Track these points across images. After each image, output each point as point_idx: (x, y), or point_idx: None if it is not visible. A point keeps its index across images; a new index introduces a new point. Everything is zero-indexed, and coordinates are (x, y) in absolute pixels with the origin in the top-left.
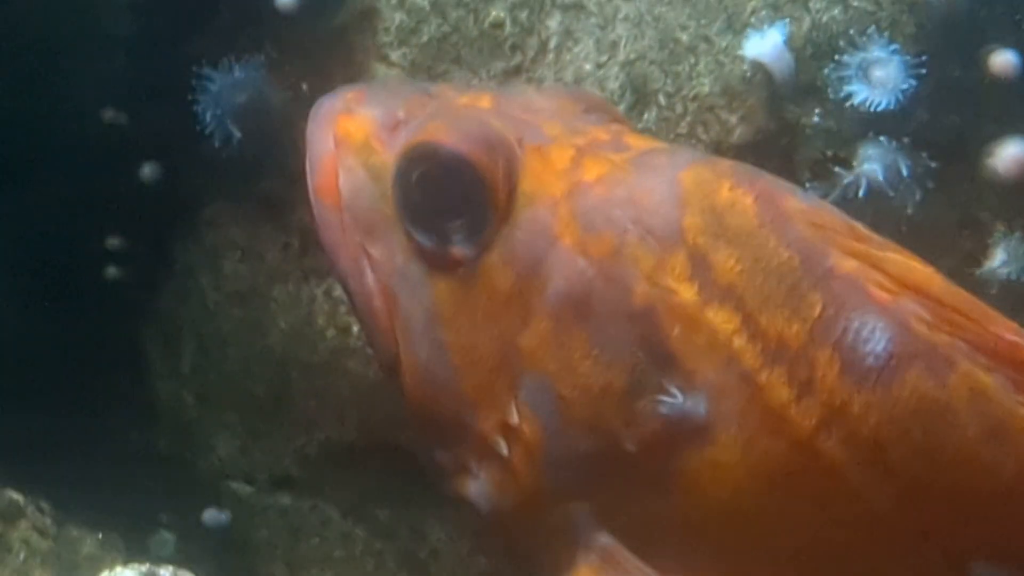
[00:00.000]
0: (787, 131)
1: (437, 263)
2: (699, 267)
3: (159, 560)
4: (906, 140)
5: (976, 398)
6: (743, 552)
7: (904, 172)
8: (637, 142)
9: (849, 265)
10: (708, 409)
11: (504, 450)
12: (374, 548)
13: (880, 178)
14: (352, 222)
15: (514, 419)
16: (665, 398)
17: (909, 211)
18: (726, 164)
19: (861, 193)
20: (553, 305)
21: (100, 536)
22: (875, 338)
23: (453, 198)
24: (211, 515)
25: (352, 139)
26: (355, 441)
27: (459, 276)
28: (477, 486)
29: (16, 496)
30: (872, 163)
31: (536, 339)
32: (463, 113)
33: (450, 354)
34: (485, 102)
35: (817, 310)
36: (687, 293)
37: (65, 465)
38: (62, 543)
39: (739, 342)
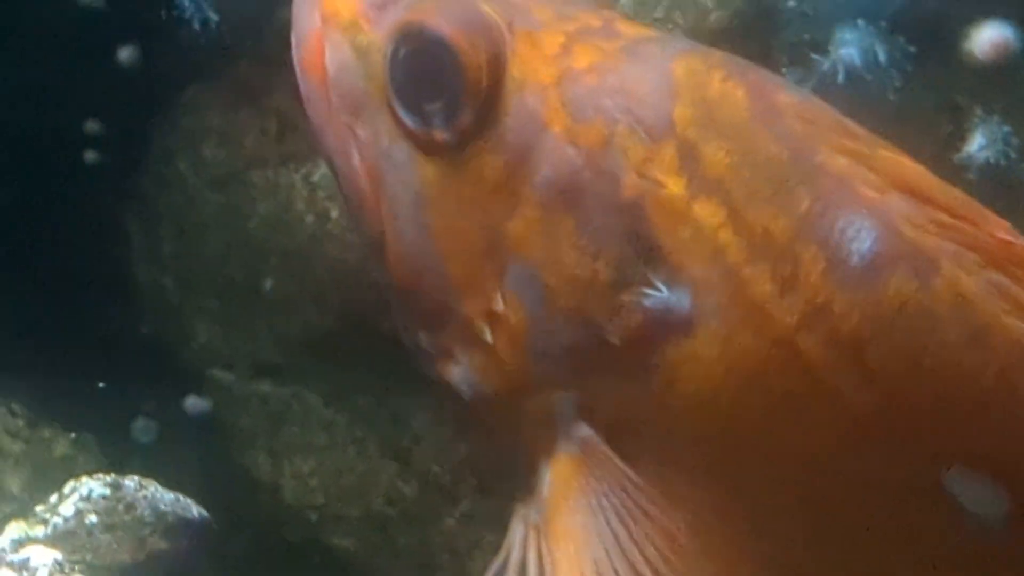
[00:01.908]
0: (763, 15)
1: (423, 146)
2: (688, 160)
3: (140, 446)
4: (883, 24)
5: (959, 303)
6: (718, 450)
7: (882, 57)
8: (628, 29)
9: (838, 163)
10: (692, 303)
11: (488, 337)
12: (356, 435)
13: (857, 63)
14: (338, 100)
15: (499, 306)
16: (650, 291)
17: (889, 96)
18: (718, 55)
19: (839, 79)
20: (541, 193)
21: (73, 436)
22: (860, 237)
23: (435, 80)
24: (193, 402)
25: (339, 17)
26: (335, 327)
27: (446, 160)
28: (460, 372)
29: None
30: (849, 47)
31: (523, 227)
32: None
33: (436, 238)
34: None
35: (804, 207)
36: (675, 186)
37: (42, 357)
38: (34, 445)
39: (725, 236)
